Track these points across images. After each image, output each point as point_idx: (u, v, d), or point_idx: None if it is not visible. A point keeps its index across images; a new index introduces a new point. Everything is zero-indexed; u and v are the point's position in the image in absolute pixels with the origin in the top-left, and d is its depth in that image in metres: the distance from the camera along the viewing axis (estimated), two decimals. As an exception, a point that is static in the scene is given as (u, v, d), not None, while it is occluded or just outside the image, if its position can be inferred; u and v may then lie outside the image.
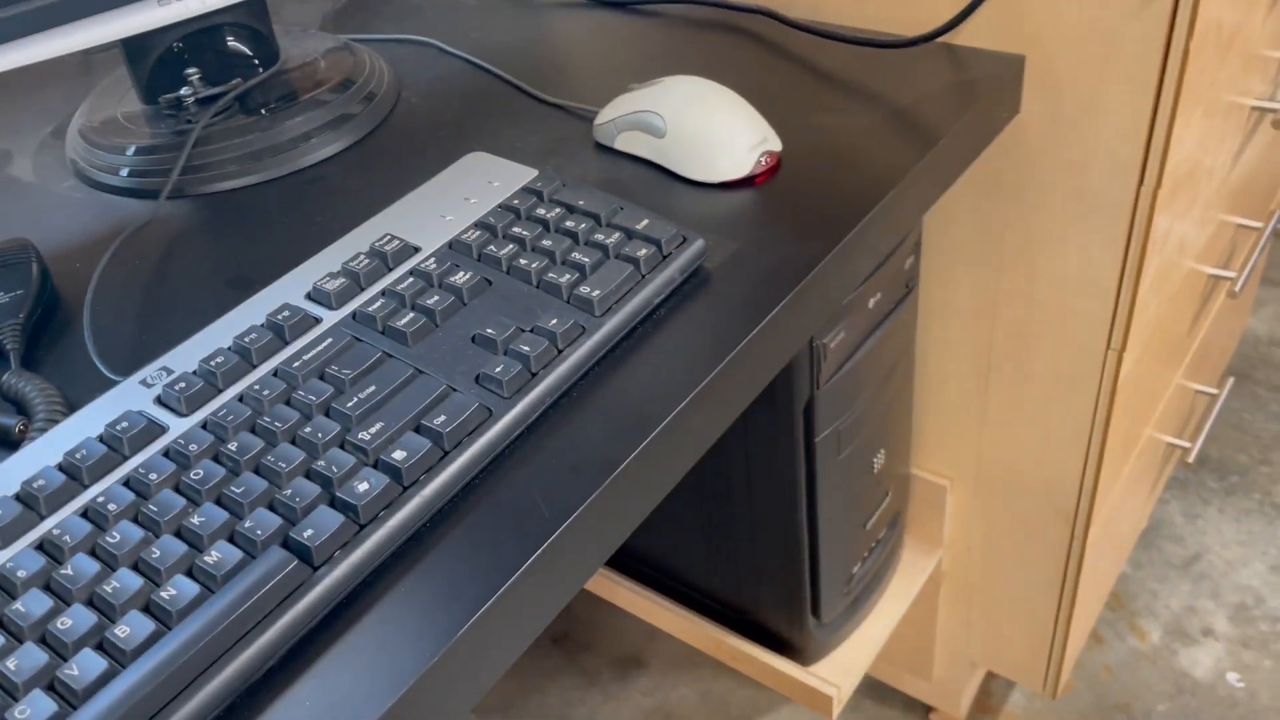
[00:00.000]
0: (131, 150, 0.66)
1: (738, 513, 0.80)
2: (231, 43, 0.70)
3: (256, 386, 0.44)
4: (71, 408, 0.47)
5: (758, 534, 0.80)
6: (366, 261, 0.51)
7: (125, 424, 0.42)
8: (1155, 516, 1.35)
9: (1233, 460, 1.41)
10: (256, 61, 0.71)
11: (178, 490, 0.40)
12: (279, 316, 0.48)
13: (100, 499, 0.40)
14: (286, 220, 0.60)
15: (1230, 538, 1.32)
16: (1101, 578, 1.04)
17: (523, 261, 0.50)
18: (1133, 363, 0.79)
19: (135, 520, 0.39)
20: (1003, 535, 0.93)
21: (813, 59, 0.70)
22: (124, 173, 0.66)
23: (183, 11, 0.63)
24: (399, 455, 0.41)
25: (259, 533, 0.38)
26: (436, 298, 0.48)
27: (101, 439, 0.42)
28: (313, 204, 0.62)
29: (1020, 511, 0.90)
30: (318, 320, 0.48)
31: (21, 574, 0.37)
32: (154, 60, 0.68)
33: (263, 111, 0.68)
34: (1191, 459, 1.05)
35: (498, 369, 0.45)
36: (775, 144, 0.60)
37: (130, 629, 0.35)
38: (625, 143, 0.62)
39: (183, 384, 0.44)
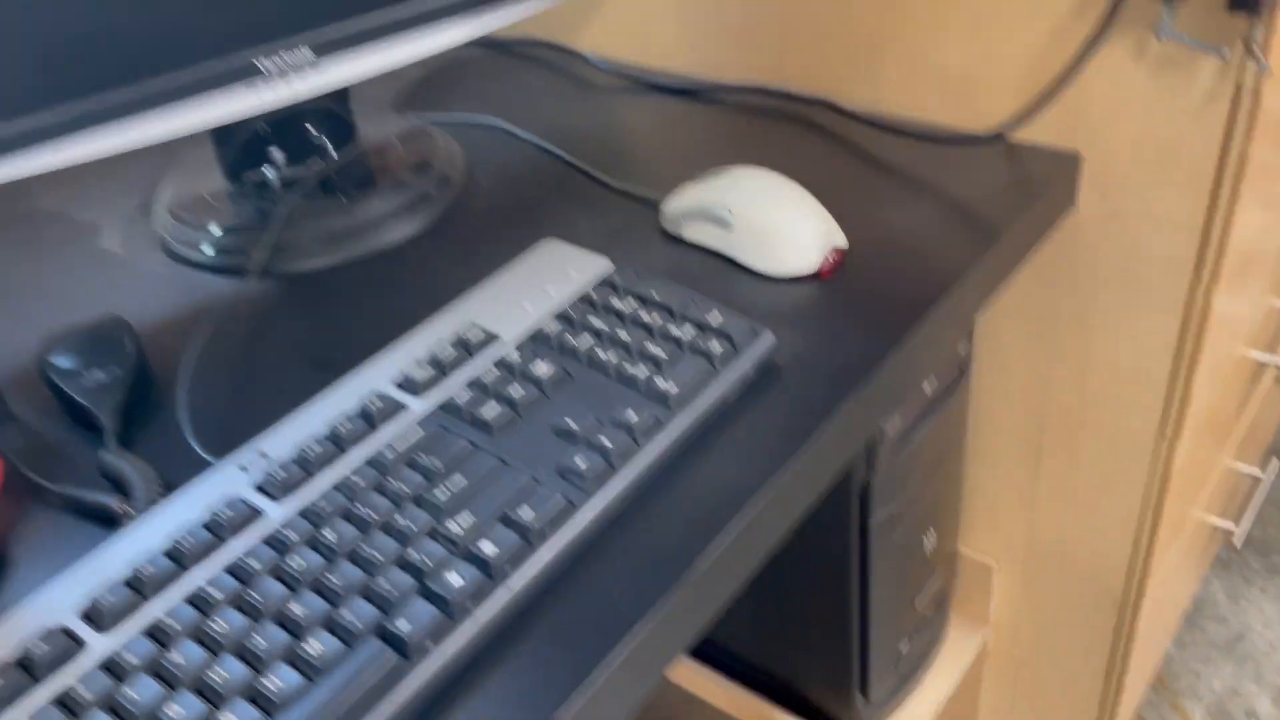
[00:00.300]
0: (216, 229, 0.69)
1: (788, 588, 0.81)
2: (313, 124, 0.73)
3: (351, 475, 0.46)
4: (169, 488, 0.49)
5: (807, 609, 0.81)
6: (451, 351, 0.53)
7: (226, 510, 0.44)
8: (1198, 596, 1.34)
9: (1275, 540, 1.40)
10: (336, 142, 0.74)
11: (278, 578, 0.42)
12: (370, 404, 0.50)
13: (205, 585, 0.41)
14: (368, 302, 0.63)
15: (1273, 618, 1.31)
16: (1147, 659, 1.04)
17: (601, 354, 0.52)
18: (1184, 450, 0.80)
19: (238, 608, 0.41)
20: (1050, 616, 0.93)
21: (873, 151, 0.72)
22: (209, 250, 0.69)
23: (275, 101, 0.66)
24: (488, 548, 0.43)
25: (357, 623, 0.40)
26: (519, 389, 0.50)
27: (205, 525, 0.44)
28: (392, 286, 0.64)
29: (1068, 593, 0.90)
30: (406, 408, 0.50)
31: (132, 660, 0.39)
32: (240, 140, 0.71)
33: (341, 192, 0.71)
34: (1237, 541, 1.05)
35: (579, 461, 0.46)
36: (840, 240, 0.62)
37: (237, 719, 0.37)
38: (692, 232, 0.64)
39: (280, 470, 0.46)
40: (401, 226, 0.69)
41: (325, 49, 0.67)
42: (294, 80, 0.67)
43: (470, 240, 0.68)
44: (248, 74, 0.65)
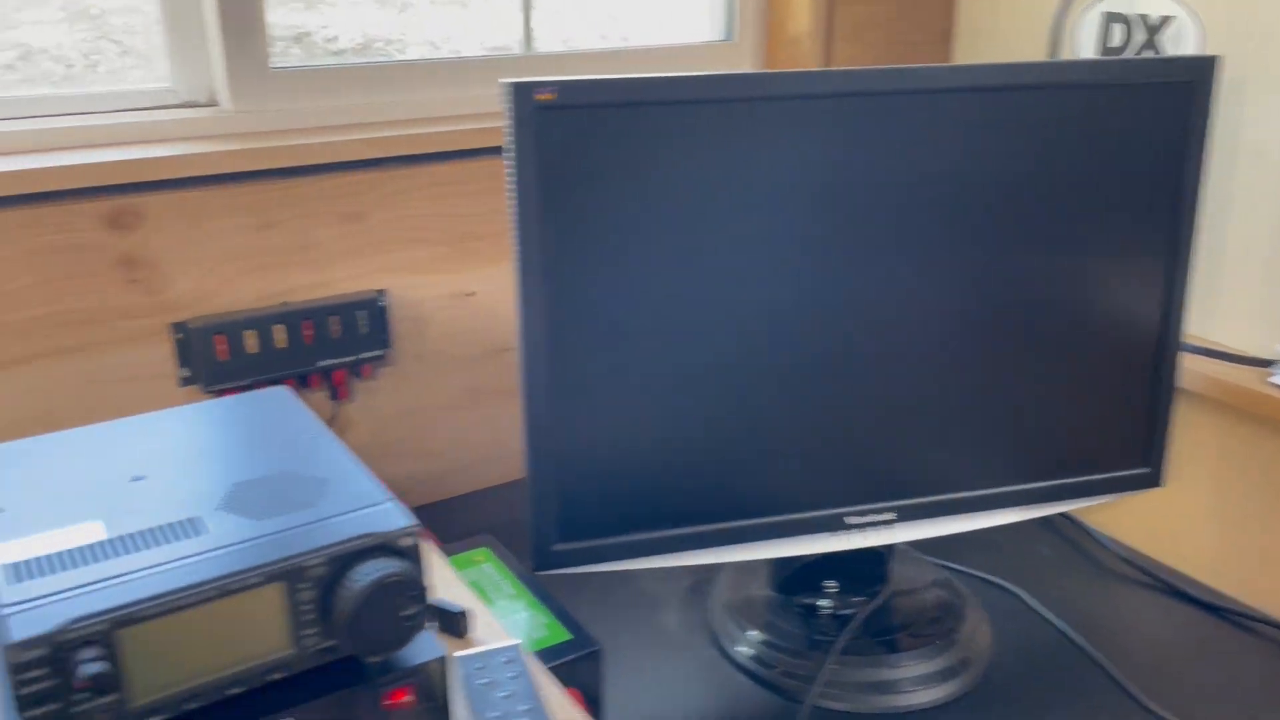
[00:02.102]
0: (757, 635, 0.77)
1: None
2: (862, 562, 0.81)
3: None
4: None
5: None
6: None
7: None
8: None
9: None
10: (877, 581, 0.81)
11: None
12: None
13: None
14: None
15: None
16: None
17: None
18: None
19: None
20: None
21: None
22: (746, 651, 0.77)
23: (846, 545, 0.75)
24: None
25: None
26: None
27: None
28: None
29: None
30: None
31: None
32: (798, 564, 0.80)
33: (878, 637, 0.77)
34: None
35: None
36: None
37: None
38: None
39: None
40: (929, 691, 0.73)
41: (906, 513, 0.76)
42: (870, 534, 0.76)
43: (1001, 725, 0.70)
44: (833, 525, 0.74)
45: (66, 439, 0.54)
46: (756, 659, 0.76)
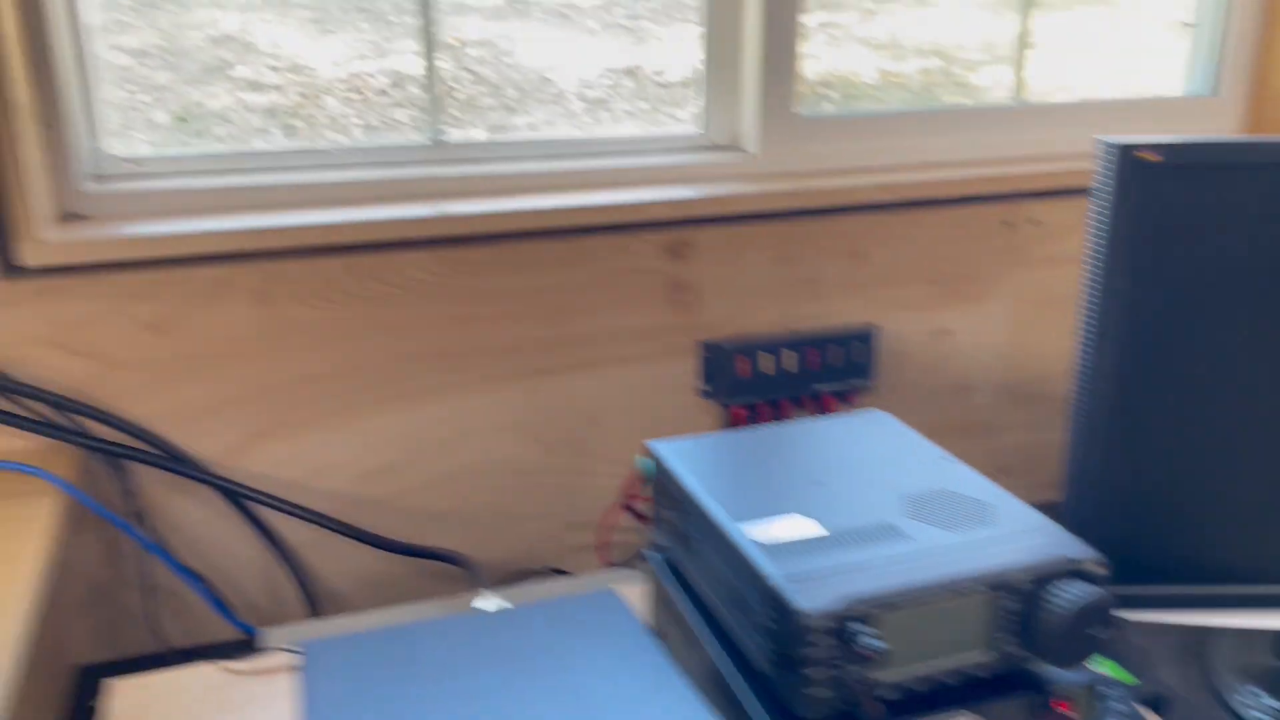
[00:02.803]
0: (1269, 700, 0.76)
1: None
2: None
3: None
4: None
5: None
6: None
7: None
8: None
9: None
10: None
11: None
12: None
13: None
14: None
15: None
16: None
17: None
18: None
19: None
20: None
21: None
22: (1262, 718, 0.75)
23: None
24: None
25: None
26: None
27: None
28: None
29: None
30: None
31: None
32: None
33: None
34: None
35: None
36: None
37: None
38: None
39: None
40: None
41: None
42: None
43: None
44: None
45: (731, 440, 0.62)
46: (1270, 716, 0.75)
